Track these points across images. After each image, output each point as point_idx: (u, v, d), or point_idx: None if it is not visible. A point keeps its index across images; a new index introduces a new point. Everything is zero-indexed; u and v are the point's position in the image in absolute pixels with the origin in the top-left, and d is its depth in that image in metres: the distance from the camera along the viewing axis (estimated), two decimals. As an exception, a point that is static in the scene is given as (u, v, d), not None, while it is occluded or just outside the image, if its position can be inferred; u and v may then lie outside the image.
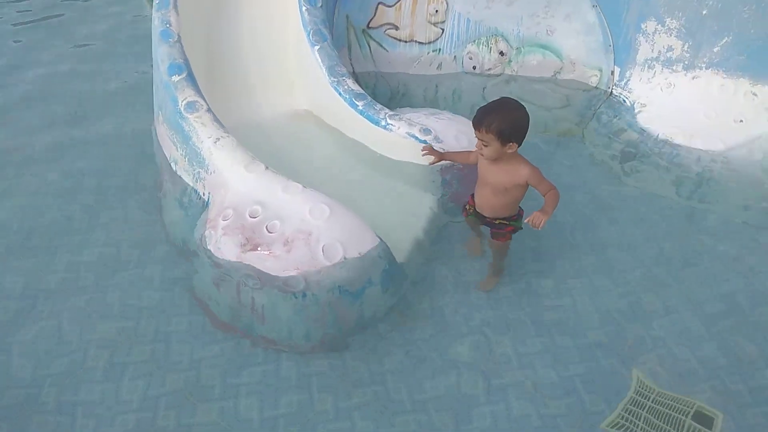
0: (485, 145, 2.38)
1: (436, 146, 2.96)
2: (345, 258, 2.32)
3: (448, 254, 2.87)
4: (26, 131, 3.59)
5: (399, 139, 3.00)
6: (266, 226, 2.37)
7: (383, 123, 3.01)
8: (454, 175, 2.99)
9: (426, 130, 2.99)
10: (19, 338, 2.42)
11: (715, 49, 3.38)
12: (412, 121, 3.04)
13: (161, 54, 2.92)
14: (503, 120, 2.33)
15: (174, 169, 2.91)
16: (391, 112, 3.07)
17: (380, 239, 2.45)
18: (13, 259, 2.75)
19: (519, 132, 2.36)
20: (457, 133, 3.05)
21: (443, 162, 2.96)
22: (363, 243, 2.39)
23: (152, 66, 3.15)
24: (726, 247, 2.93)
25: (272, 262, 2.30)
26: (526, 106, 2.38)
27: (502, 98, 2.43)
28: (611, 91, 3.83)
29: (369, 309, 2.47)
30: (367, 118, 3.04)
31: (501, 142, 2.35)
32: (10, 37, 4.60)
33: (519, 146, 2.41)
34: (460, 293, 2.68)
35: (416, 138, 2.96)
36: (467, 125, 3.16)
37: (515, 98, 2.44)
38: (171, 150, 2.91)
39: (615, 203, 3.22)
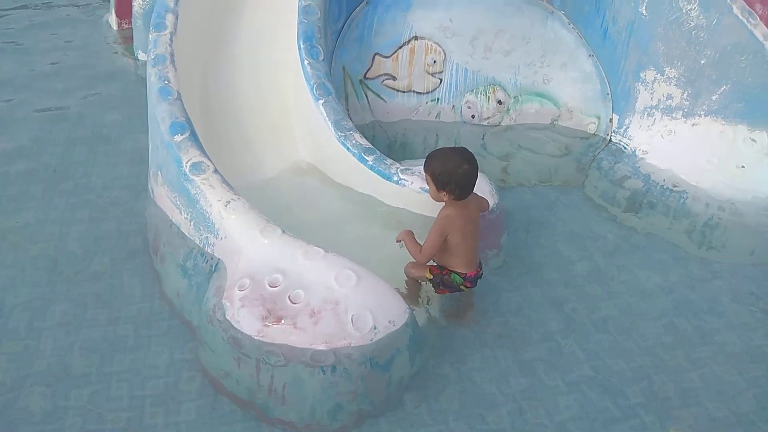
0: (428, 184, 2.52)
1: None
2: (375, 328, 2.17)
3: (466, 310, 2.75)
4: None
5: (412, 193, 2.90)
6: (289, 296, 2.20)
7: (395, 178, 2.91)
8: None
9: (440, 185, 2.90)
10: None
11: (714, 97, 3.43)
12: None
13: (160, 112, 2.76)
14: (439, 165, 2.44)
15: (176, 233, 2.72)
16: (402, 167, 2.98)
17: (408, 306, 2.31)
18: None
19: (451, 183, 2.43)
20: (469, 187, 2.98)
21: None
22: (392, 311, 2.24)
23: (148, 123, 3.00)
24: (745, 295, 2.90)
25: (298, 335, 2.13)
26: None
27: (459, 147, 2.53)
28: (610, 138, 3.85)
29: (397, 379, 2.31)
30: (378, 174, 2.94)
31: (436, 186, 2.46)
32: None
33: (456, 199, 2.46)
34: (484, 356, 2.54)
35: (430, 193, 2.88)
36: (478, 177, 3.11)
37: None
38: (173, 213, 2.73)
39: (625, 251, 3.17)
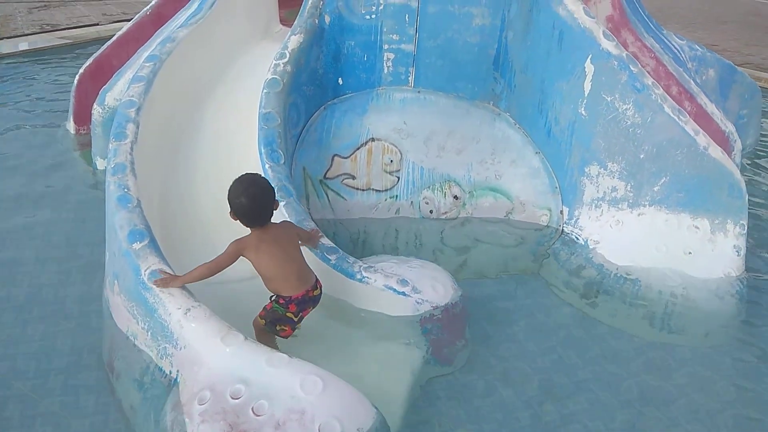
0: None
1: (414, 296, 2.90)
2: (343, 437, 2.09)
3: (436, 416, 2.68)
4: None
5: (376, 291, 2.90)
6: (252, 408, 2.12)
7: (358, 276, 2.92)
8: (434, 324, 2.90)
9: (403, 281, 2.93)
10: None
11: (656, 188, 3.63)
12: (387, 272, 2.97)
13: (119, 220, 2.74)
14: (229, 191, 2.51)
15: (132, 344, 2.62)
16: (365, 264, 3.00)
17: (377, 410, 2.25)
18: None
19: (235, 211, 2.52)
20: (432, 282, 3.02)
21: (422, 311, 2.89)
22: (361, 418, 2.17)
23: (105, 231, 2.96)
24: (705, 379, 2.96)
25: (262, 451, 2.03)
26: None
27: (250, 177, 2.57)
28: (562, 229, 3.99)
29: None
30: (341, 272, 2.94)
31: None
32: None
33: (247, 226, 2.56)
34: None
35: (394, 290, 2.89)
36: (439, 272, 3.16)
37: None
38: (129, 323, 2.63)
39: (587, 341, 3.21)
